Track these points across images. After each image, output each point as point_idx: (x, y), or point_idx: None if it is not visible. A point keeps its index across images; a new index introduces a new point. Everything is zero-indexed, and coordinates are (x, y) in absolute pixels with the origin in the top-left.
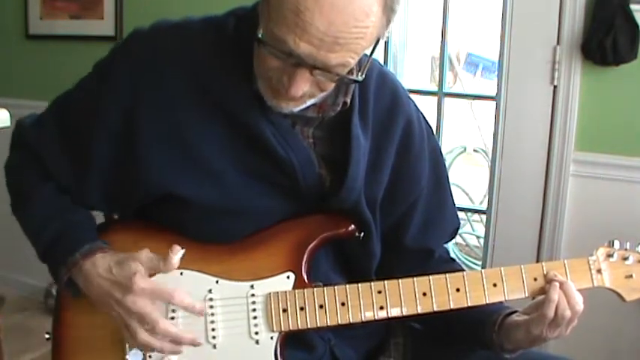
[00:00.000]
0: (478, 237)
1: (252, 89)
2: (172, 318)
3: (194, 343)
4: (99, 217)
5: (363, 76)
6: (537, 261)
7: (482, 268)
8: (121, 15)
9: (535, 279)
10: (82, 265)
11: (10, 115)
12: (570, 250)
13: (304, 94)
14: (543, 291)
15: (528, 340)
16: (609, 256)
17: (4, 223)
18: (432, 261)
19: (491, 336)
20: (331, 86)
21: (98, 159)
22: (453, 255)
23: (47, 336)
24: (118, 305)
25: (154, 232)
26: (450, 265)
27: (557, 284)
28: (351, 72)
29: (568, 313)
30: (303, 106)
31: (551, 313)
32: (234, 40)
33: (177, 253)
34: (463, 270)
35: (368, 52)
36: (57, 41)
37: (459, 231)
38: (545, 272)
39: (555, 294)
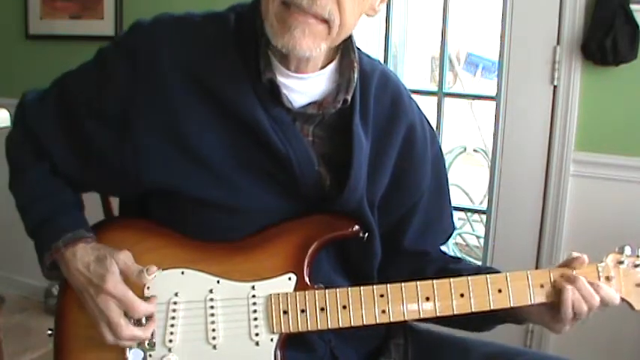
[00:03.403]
0: (478, 237)
1: (252, 83)
2: (173, 318)
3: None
4: (99, 211)
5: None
6: (537, 261)
7: None
8: (121, 15)
9: (542, 285)
10: (64, 253)
11: (10, 115)
12: (570, 250)
13: (323, 5)
14: (549, 298)
15: (544, 325)
16: (619, 262)
17: (4, 223)
18: (424, 260)
19: (504, 313)
20: (350, 11)
21: (94, 143)
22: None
23: (49, 332)
24: (91, 301)
25: (155, 231)
26: (443, 260)
27: (570, 288)
28: None
29: (586, 308)
30: (316, 51)
31: (568, 312)
32: (234, 36)
33: (152, 275)
34: (455, 259)
35: None
36: (57, 41)
37: (459, 231)
38: (552, 279)
39: (568, 296)
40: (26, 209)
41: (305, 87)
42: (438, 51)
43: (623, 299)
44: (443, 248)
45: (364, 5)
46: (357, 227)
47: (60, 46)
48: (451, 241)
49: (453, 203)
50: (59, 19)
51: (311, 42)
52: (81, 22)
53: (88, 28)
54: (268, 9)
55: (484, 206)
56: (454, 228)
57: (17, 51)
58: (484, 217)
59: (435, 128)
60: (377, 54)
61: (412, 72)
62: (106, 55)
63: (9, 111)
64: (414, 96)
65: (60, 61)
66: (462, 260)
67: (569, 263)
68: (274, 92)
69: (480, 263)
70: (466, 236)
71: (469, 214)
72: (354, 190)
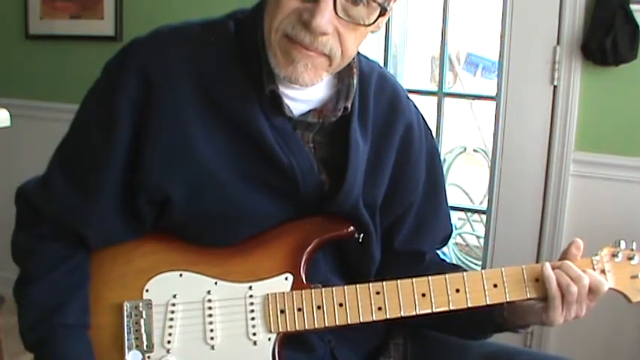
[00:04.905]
0: (478, 237)
1: (255, 93)
2: (171, 319)
3: None
4: None
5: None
6: (537, 261)
7: (482, 268)
8: (121, 15)
9: (536, 280)
10: None
11: (10, 115)
12: None
13: (325, 43)
14: (544, 292)
15: (542, 322)
16: (614, 256)
17: (4, 223)
18: (422, 265)
19: (502, 319)
20: (352, 44)
21: (115, 186)
22: (443, 257)
23: None
24: None
25: (154, 235)
26: (440, 265)
27: (548, 264)
28: (372, 24)
29: (574, 288)
30: (318, 81)
31: (554, 291)
32: (235, 44)
33: None
34: (455, 267)
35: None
36: (57, 41)
37: (459, 231)
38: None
39: (549, 270)
40: (28, 325)
41: (305, 95)
42: (438, 51)
43: (614, 289)
44: (443, 249)
45: (366, 31)
46: (351, 228)
47: (60, 46)
48: (451, 241)
49: (454, 203)
50: (59, 19)
51: (313, 74)
52: (81, 22)
53: (88, 28)
54: (271, 39)
55: (484, 206)
56: (452, 229)
57: (17, 51)
58: (484, 217)
59: (435, 128)
60: (377, 54)
61: (412, 72)
62: (107, 87)
63: (9, 111)
64: (413, 96)
65: (60, 61)
66: (460, 268)
67: (565, 256)
68: (276, 102)
69: (479, 268)
70: (466, 236)
71: (469, 214)
72: (349, 192)
